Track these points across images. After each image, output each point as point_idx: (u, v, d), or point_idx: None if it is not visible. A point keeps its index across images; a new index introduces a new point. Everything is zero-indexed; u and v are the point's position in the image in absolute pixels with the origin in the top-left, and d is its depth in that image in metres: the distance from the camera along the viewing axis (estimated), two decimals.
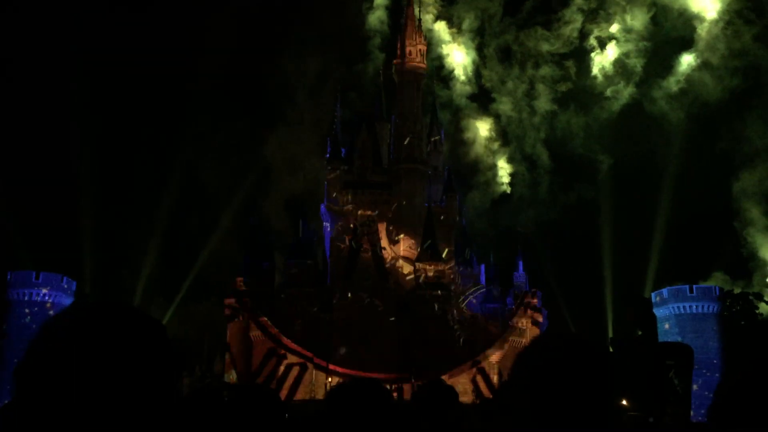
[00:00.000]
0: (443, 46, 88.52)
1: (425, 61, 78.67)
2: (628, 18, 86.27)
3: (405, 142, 75.26)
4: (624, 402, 54.55)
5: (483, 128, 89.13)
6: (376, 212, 72.17)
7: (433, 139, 79.64)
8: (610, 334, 73.09)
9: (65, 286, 64.02)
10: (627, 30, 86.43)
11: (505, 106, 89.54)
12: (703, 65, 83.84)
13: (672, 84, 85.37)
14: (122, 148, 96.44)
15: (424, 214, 71.62)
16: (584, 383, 2.09)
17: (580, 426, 2.04)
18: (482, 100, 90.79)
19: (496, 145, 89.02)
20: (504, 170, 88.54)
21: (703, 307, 63.92)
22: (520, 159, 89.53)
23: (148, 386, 1.56)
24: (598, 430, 2.02)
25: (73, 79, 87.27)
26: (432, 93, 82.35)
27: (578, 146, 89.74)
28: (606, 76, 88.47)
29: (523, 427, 2.12)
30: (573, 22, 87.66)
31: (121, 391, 1.51)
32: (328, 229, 75.47)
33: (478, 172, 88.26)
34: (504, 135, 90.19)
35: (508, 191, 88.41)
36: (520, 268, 76.42)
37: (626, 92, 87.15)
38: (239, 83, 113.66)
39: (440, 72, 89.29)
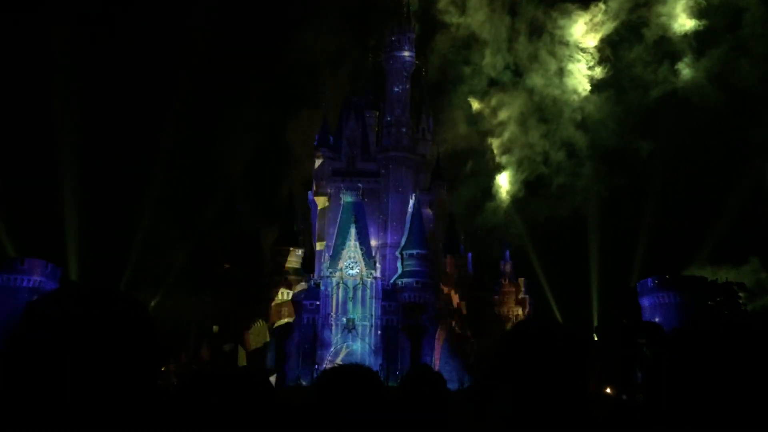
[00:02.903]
0: (473, 14, 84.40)
1: (414, 50, 78.36)
2: (669, 4, 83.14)
3: (392, 131, 75.20)
4: (609, 390, 55.21)
5: (516, 104, 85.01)
6: (365, 200, 72.18)
7: (421, 127, 79.51)
8: (595, 323, 73.51)
9: (50, 272, 63.63)
10: (668, 15, 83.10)
11: (537, 81, 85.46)
12: (744, 52, 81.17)
13: (712, 69, 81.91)
14: (110, 135, 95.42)
15: (411, 202, 71.80)
16: (562, 370, 2.14)
17: (559, 410, 2.09)
18: (515, 75, 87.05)
19: (531, 122, 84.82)
20: (538, 148, 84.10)
21: (685, 296, 64.45)
22: (558, 144, 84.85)
23: (133, 367, 1.60)
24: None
25: (65, 65, 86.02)
26: (422, 81, 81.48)
27: (613, 133, 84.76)
28: (644, 62, 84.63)
29: (505, 412, 2.17)
30: (612, 10, 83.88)
31: (107, 371, 1.55)
32: (316, 215, 75.49)
33: (510, 151, 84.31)
34: (539, 112, 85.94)
35: (545, 171, 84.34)
36: (507, 256, 76.76)
37: (670, 78, 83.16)
38: (257, 64, 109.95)
39: (471, 44, 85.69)
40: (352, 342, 64.90)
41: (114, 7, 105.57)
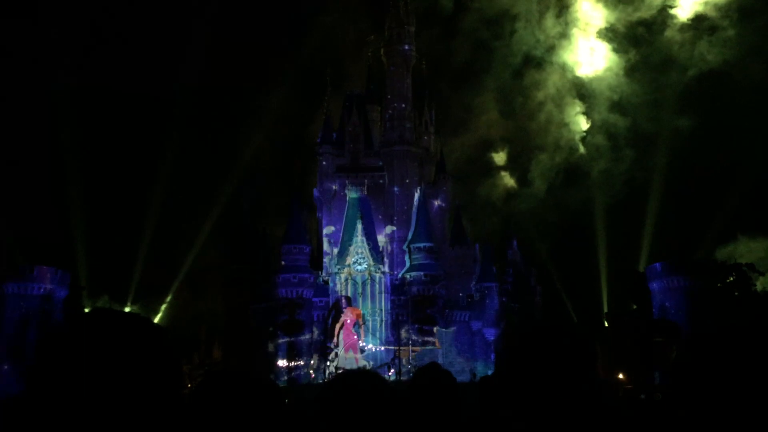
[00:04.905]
0: None
1: (414, 42, 78.05)
2: None
3: (395, 125, 75.10)
4: (621, 376, 55.20)
5: (552, 83, 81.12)
6: (370, 195, 72.14)
7: (424, 120, 79.38)
8: (605, 309, 73.46)
9: (60, 279, 63.87)
10: None
11: (568, 58, 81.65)
12: None
13: (753, 43, 75.03)
14: (115, 138, 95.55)
15: (416, 196, 71.80)
16: (568, 373, 2.13)
17: (570, 406, 2.08)
18: (547, 52, 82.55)
19: (567, 100, 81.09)
20: (576, 127, 79.98)
21: (695, 280, 64.15)
22: (597, 128, 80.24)
23: (149, 389, 1.60)
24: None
25: (69, 64, 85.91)
26: (422, 73, 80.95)
27: (649, 118, 79.51)
28: (679, 43, 78.92)
29: (515, 410, 2.15)
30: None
31: (123, 392, 1.56)
32: (322, 212, 75.57)
33: (548, 132, 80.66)
34: (576, 90, 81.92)
35: (583, 151, 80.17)
36: (515, 245, 76.66)
37: (706, 55, 76.62)
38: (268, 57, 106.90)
39: (502, 20, 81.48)
40: (364, 337, 65.01)
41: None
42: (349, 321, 63.61)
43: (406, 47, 77.05)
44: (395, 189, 74.14)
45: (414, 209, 71.48)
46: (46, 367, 1.58)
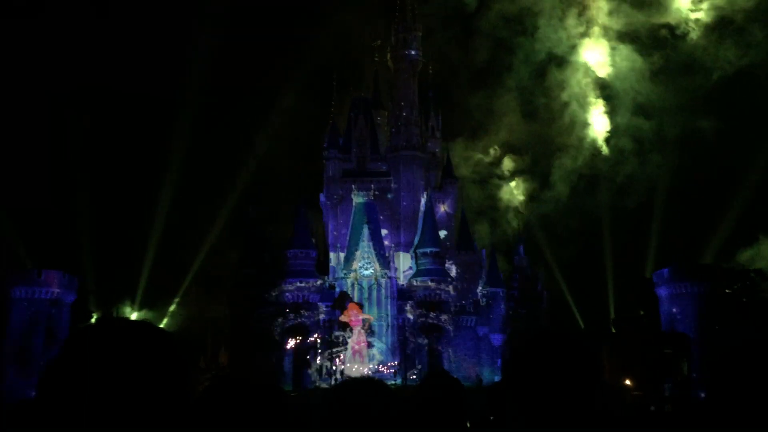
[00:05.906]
0: None
1: (421, 47, 78.10)
2: None
3: (401, 130, 75.09)
4: (627, 382, 54.96)
5: (575, 82, 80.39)
6: (376, 200, 72.12)
7: (430, 125, 79.41)
8: (612, 315, 73.14)
9: (68, 283, 63.96)
10: None
11: (589, 59, 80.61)
12: None
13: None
14: (122, 141, 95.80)
15: (423, 201, 71.77)
16: (572, 375, 2.12)
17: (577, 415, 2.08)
18: (570, 53, 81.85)
19: (589, 98, 79.98)
20: (599, 128, 78.98)
21: (702, 285, 63.68)
22: (621, 131, 78.95)
23: (157, 401, 1.62)
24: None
25: (79, 66, 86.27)
26: (428, 78, 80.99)
27: (674, 122, 78.58)
28: (702, 47, 77.56)
29: (523, 419, 2.15)
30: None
31: (132, 403, 1.57)
32: (329, 217, 75.56)
33: (570, 134, 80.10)
34: (600, 89, 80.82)
35: (606, 152, 79.17)
36: (521, 250, 76.47)
37: (730, 57, 75.84)
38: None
39: (524, 20, 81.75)
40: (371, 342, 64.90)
41: None
42: (352, 319, 63.44)
43: (413, 52, 77.13)
44: (402, 194, 74.15)
45: (420, 214, 71.49)
46: (55, 380, 1.59)
